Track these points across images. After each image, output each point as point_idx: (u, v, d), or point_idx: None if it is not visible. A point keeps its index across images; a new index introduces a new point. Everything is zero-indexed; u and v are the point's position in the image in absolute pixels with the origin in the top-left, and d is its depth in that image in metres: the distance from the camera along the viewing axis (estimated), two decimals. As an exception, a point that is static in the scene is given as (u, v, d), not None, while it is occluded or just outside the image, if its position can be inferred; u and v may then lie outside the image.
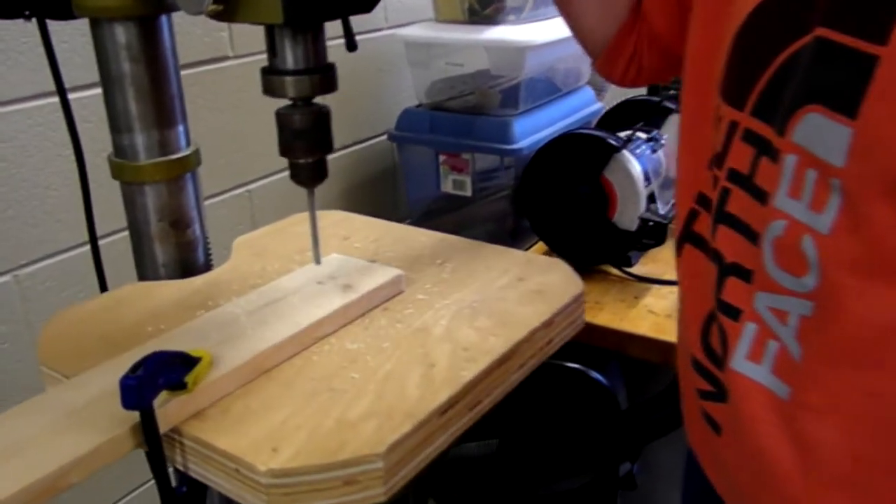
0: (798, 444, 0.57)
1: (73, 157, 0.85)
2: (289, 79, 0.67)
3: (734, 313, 0.61)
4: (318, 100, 0.70)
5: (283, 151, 0.71)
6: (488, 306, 0.76)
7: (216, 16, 0.63)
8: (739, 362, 0.61)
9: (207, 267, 0.88)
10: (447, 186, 1.47)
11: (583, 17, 0.90)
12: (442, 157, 1.45)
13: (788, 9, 0.56)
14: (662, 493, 1.69)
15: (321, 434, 0.58)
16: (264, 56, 1.30)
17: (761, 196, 0.57)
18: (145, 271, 0.85)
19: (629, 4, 0.85)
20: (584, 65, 1.63)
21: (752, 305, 0.59)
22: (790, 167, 0.54)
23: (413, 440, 0.59)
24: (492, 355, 0.67)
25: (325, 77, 0.68)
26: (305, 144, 0.70)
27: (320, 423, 0.59)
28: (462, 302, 0.77)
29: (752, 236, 0.59)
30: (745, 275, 0.60)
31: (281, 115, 0.70)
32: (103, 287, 0.89)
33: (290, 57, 0.67)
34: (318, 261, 0.78)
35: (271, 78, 0.68)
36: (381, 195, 1.64)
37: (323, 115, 0.70)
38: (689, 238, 0.70)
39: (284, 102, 0.70)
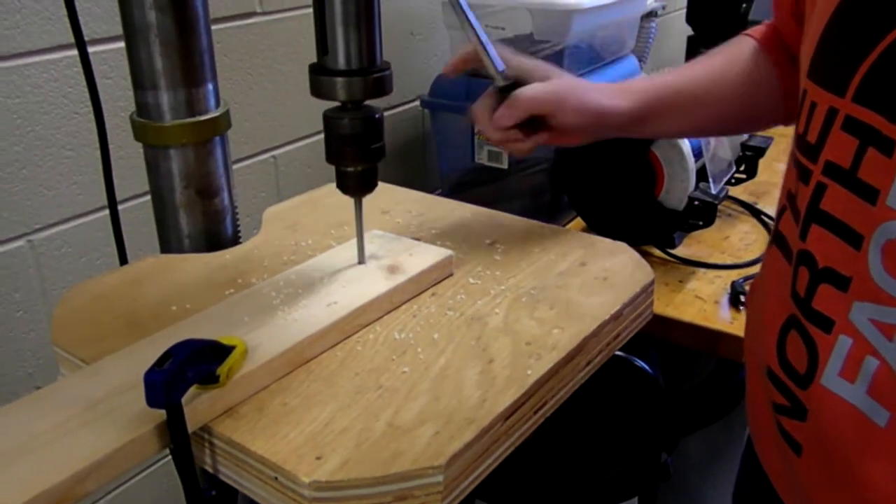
0: None
1: (91, 116, 0.79)
2: (339, 80, 0.62)
3: (826, 324, 0.55)
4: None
5: (330, 157, 0.66)
6: (549, 294, 0.69)
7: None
8: (831, 379, 0.55)
9: (235, 240, 0.82)
10: (482, 158, 1.40)
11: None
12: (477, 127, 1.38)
13: None
14: (694, 485, 1.64)
15: (371, 440, 0.51)
16: (294, 13, 1.24)
17: (868, 193, 0.51)
18: (168, 242, 0.79)
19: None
20: (629, 32, 1.54)
21: (848, 317, 0.54)
22: None
23: (475, 450, 0.52)
24: (558, 351, 0.60)
25: (378, 79, 0.62)
26: (354, 152, 0.65)
27: (369, 427, 0.52)
28: (519, 288, 0.70)
29: (854, 239, 0.53)
30: (840, 282, 0.54)
31: (329, 119, 0.64)
32: (123, 258, 0.82)
33: (342, 55, 0.61)
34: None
35: (320, 78, 0.62)
36: (410, 165, 1.58)
37: (374, 121, 0.64)
38: (776, 238, 0.64)
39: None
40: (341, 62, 0.61)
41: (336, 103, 0.64)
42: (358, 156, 0.65)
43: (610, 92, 0.80)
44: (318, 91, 0.63)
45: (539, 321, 0.65)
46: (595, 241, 0.79)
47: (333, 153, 0.65)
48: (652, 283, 0.72)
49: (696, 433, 1.41)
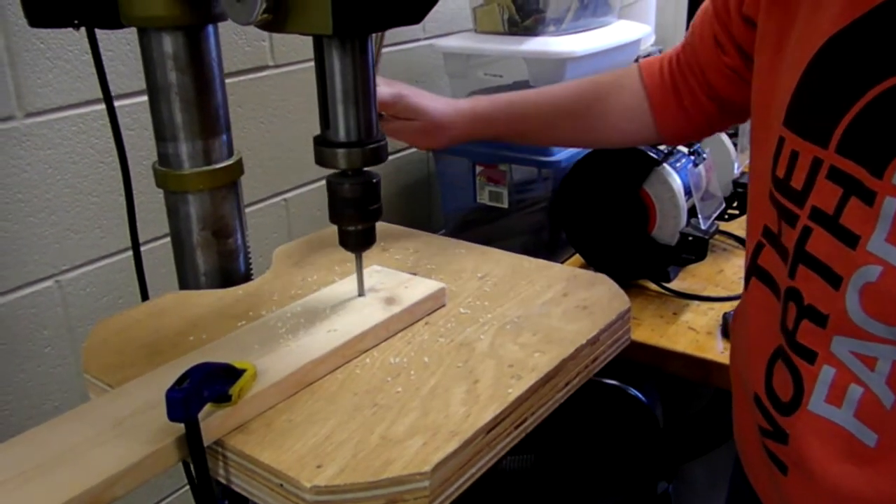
0: (890, 485, 0.55)
1: (114, 165, 0.86)
2: (340, 150, 0.68)
3: (809, 356, 0.59)
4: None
5: (333, 218, 0.72)
6: (532, 322, 0.75)
7: (265, 25, 0.63)
8: (817, 405, 0.58)
9: (248, 276, 0.88)
10: (483, 198, 1.46)
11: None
12: (479, 168, 1.45)
13: (885, 37, 0.52)
14: (698, 512, 1.66)
15: (366, 451, 0.57)
16: (304, 65, 1.32)
17: (849, 238, 0.54)
18: (186, 280, 0.85)
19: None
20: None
21: (829, 349, 0.57)
22: (891, 210, 0.51)
23: (459, 459, 0.58)
24: (537, 372, 0.66)
25: (375, 149, 0.69)
26: (354, 213, 0.71)
27: (364, 440, 0.58)
28: (505, 317, 0.76)
29: (834, 280, 0.56)
30: (818, 319, 0.57)
31: (331, 184, 0.71)
32: (144, 295, 0.89)
33: (342, 129, 0.68)
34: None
35: (323, 149, 0.69)
36: (416, 206, 1.64)
37: (372, 185, 0.71)
38: (756, 271, 0.68)
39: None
40: (342, 135, 0.68)
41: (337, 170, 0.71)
42: (358, 217, 0.71)
43: (445, 100, 0.95)
44: (321, 160, 0.70)
45: (522, 346, 0.71)
46: (577, 274, 0.85)
47: (336, 214, 0.72)
48: (628, 311, 0.77)
49: (699, 459, 1.43)
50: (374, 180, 0.71)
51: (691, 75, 0.87)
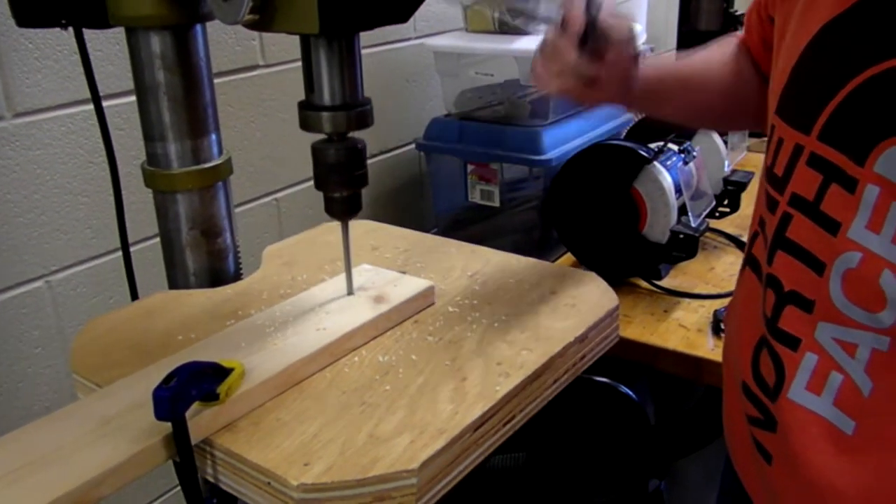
0: (866, 475, 0.56)
1: (103, 165, 0.86)
2: (325, 114, 0.68)
3: (792, 343, 0.59)
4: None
5: (318, 185, 0.72)
6: (521, 320, 0.75)
7: (252, 25, 0.63)
8: (798, 393, 0.59)
9: (237, 276, 0.88)
10: (475, 196, 1.46)
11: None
12: (470, 167, 1.45)
13: (871, 26, 0.53)
14: (692, 508, 1.66)
15: (353, 449, 0.57)
16: (294, 65, 1.32)
17: (830, 225, 0.55)
18: (176, 279, 0.85)
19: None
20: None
21: (814, 336, 0.57)
22: (871, 198, 0.52)
23: (446, 456, 0.58)
24: (525, 370, 0.66)
25: (360, 113, 0.68)
26: (340, 179, 0.70)
27: (352, 438, 0.58)
28: (494, 315, 0.76)
29: (817, 266, 0.56)
30: (805, 304, 0.58)
31: (316, 149, 0.70)
32: (134, 295, 0.89)
33: (327, 92, 0.67)
34: (350, 291, 0.78)
35: (308, 113, 0.68)
36: (408, 204, 1.64)
37: (357, 151, 0.70)
38: (749, 261, 0.68)
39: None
40: (326, 98, 0.68)
41: (323, 136, 0.70)
42: (343, 182, 0.71)
43: None
44: (305, 124, 0.69)
45: (510, 343, 0.71)
46: (566, 272, 0.86)
47: (321, 181, 0.71)
48: (616, 308, 0.78)
49: (692, 456, 1.44)
50: (360, 146, 0.70)
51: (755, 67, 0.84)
